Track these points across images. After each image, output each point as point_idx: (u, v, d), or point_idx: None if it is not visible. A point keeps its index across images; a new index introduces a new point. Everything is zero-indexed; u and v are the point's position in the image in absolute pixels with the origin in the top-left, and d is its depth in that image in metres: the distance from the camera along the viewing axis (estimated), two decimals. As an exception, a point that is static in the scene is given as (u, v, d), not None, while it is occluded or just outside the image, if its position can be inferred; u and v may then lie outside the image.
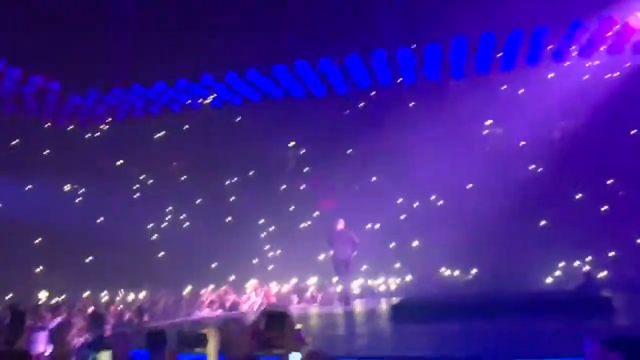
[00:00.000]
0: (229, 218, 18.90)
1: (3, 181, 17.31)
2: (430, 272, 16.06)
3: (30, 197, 17.87)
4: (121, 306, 13.90)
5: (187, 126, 20.02)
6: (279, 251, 18.32)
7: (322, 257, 17.28)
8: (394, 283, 16.47)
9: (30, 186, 18.35)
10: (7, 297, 14.56)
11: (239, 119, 19.03)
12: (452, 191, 16.63)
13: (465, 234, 14.71)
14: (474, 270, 15.93)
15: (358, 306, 13.75)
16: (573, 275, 14.38)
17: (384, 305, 13.12)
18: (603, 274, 14.48)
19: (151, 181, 19.87)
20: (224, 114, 18.38)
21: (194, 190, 19.26)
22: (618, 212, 15.37)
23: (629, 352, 2.54)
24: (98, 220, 18.55)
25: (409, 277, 16.45)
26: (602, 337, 2.46)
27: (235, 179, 19.63)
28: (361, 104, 18.73)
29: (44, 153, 19.07)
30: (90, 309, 10.97)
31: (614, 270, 14.51)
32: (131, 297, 16.35)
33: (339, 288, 14.47)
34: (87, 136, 19.78)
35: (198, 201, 19.35)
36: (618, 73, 15.89)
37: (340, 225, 13.26)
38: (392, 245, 17.14)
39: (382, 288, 16.36)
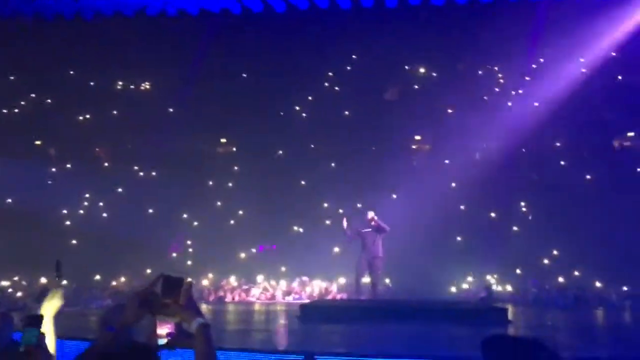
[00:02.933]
0: (151, 210, 18.37)
1: None
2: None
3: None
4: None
5: (114, 112, 19.54)
6: (197, 247, 17.98)
7: (242, 255, 17.28)
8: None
9: None
10: None
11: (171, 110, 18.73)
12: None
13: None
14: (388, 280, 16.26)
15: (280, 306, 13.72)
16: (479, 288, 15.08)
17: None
18: (506, 288, 15.31)
19: (73, 166, 19.02)
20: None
21: (115, 177, 18.59)
22: (526, 232, 16.34)
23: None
24: (8, 200, 17.51)
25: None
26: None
27: (162, 171, 19.12)
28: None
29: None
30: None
31: (518, 285, 15.36)
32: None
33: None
34: (4, 111, 18.80)
35: (119, 189, 18.69)
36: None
37: (372, 216, 11.93)
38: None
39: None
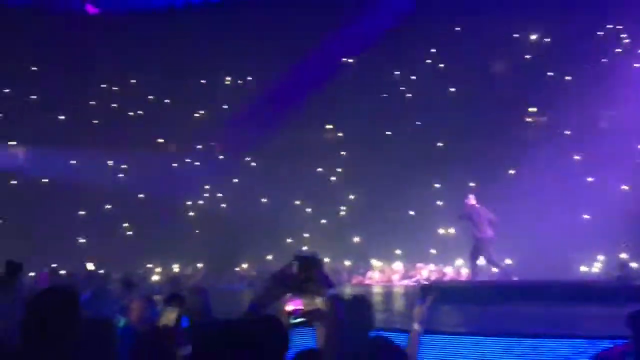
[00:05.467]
0: (265, 199, 19.05)
1: (51, 153, 18.04)
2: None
3: (76, 170, 18.51)
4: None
5: (225, 106, 20.42)
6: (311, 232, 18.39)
7: (356, 240, 17.47)
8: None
9: (74, 161, 18.98)
10: (53, 265, 15.05)
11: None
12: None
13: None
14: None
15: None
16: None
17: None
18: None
19: (193, 160, 20.21)
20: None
21: (230, 169, 19.48)
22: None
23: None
24: (140, 195, 18.99)
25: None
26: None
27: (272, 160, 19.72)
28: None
29: (89, 128, 19.61)
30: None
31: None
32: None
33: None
34: (130, 114, 20.32)
35: (235, 180, 19.57)
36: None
37: (473, 200, 11.84)
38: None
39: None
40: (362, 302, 3.79)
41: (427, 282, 12.59)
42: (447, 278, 14.80)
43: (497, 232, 11.73)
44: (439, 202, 17.47)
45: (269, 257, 17.04)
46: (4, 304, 2.78)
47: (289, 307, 2.64)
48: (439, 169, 17.28)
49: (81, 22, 18.88)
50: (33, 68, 19.41)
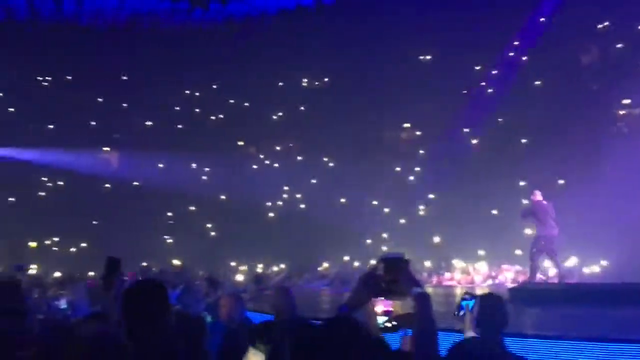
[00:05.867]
0: (343, 199, 19.09)
1: (141, 158, 19.08)
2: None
3: (163, 173, 19.47)
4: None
5: (302, 108, 20.67)
6: (389, 232, 18.22)
7: (437, 240, 17.10)
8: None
9: (161, 165, 19.94)
10: (143, 264, 15.87)
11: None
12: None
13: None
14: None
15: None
16: None
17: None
18: None
19: (272, 162, 20.63)
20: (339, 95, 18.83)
21: (308, 169, 19.70)
22: None
23: None
24: (222, 196, 19.61)
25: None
26: None
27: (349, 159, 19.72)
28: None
29: (175, 132, 20.51)
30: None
31: None
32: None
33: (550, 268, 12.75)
34: (212, 118, 21.08)
35: (313, 181, 19.76)
36: None
37: (539, 196, 11.30)
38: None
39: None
40: (494, 300, 3.71)
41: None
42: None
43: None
44: (524, 201, 16.73)
45: (346, 257, 17.09)
46: (105, 300, 2.97)
47: (379, 308, 2.61)
48: (524, 166, 16.58)
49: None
50: (123, 77, 20.55)
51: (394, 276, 2.54)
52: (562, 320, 7.45)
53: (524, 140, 17.81)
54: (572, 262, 14.00)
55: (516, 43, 19.27)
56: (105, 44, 17.82)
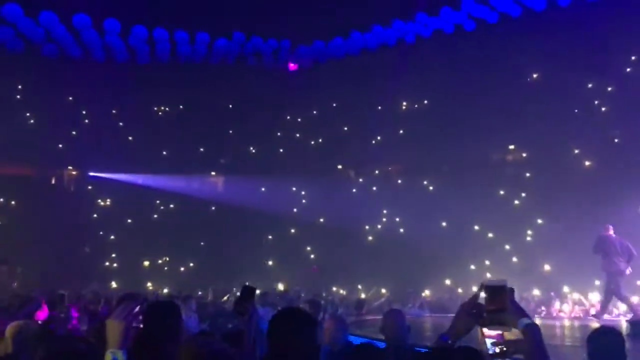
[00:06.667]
0: (444, 223, 18.63)
1: (242, 182, 19.93)
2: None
3: (265, 196, 20.15)
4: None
5: (401, 131, 20.51)
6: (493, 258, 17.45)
7: (546, 268, 16.09)
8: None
9: (263, 189, 20.64)
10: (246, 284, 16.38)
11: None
12: None
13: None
14: None
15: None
16: None
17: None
18: None
19: (370, 185, 20.63)
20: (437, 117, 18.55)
21: (407, 193, 19.46)
22: None
23: None
24: (321, 219, 19.89)
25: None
26: None
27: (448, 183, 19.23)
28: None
29: (277, 157, 21.18)
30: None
31: None
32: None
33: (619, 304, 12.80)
34: (312, 142, 21.54)
35: (412, 204, 19.46)
36: None
37: (610, 230, 11.55)
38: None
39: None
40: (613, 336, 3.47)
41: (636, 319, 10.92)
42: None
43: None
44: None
45: (448, 282, 16.58)
46: (240, 323, 3.22)
47: (490, 333, 2.50)
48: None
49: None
50: (229, 105, 21.64)
51: (498, 305, 2.44)
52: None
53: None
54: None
55: (633, 58, 17.98)
56: (214, 79, 18.87)
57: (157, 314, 3.11)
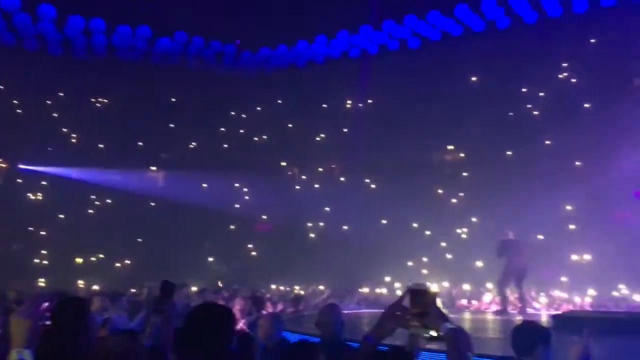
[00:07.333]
0: (385, 221, 18.93)
1: (183, 177, 19.54)
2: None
3: (205, 193, 19.83)
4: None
5: (345, 130, 20.70)
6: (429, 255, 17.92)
7: (479, 264, 16.66)
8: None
9: (205, 184, 20.32)
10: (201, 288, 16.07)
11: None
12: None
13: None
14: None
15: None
16: None
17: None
18: None
19: (313, 183, 20.69)
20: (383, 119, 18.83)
21: (350, 191, 19.66)
22: None
23: None
24: (263, 216, 19.77)
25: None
26: None
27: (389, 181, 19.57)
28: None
29: (219, 153, 20.90)
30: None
31: None
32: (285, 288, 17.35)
33: (512, 296, 13.57)
34: (255, 139, 21.38)
35: (354, 202, 19.68)
36: None
37: (511, 235, 13.06)
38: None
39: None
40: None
41: (558, 312, 11.65)
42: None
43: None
44: (571, 226, 16.23)
45: (387, 278, 16.87)
46: (157, 320, 3.08)
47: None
48: (569, 189, 16.06)
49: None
50: (172, 99, 21.16)
51: (421, 308, 2.49)
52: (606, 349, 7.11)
53: (578, 163, 17.30)
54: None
55: (565, 64, 18.86)
56: (155, 72, 18.40)
57: (65, 311, 2.97)
